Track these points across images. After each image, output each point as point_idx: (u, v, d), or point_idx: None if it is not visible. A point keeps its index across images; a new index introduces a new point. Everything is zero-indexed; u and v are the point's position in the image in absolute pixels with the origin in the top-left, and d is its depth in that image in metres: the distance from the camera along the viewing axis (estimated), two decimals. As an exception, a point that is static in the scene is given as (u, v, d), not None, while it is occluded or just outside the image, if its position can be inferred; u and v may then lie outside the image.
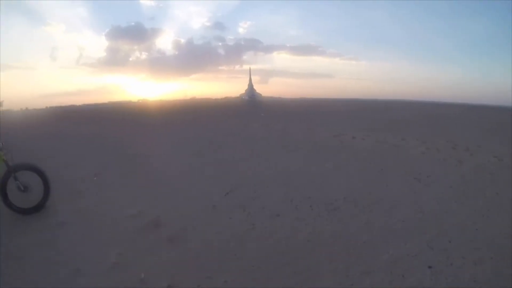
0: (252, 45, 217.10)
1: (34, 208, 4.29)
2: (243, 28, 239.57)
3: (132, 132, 13.97)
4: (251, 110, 33.52)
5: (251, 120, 18.68)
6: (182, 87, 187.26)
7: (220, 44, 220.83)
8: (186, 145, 9.79)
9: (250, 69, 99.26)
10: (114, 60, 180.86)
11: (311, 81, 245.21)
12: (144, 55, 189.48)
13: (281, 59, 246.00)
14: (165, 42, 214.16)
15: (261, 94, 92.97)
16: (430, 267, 2.93)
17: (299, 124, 15.97)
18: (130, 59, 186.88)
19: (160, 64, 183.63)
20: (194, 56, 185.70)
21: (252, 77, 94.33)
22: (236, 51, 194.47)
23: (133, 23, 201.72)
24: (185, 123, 18.17)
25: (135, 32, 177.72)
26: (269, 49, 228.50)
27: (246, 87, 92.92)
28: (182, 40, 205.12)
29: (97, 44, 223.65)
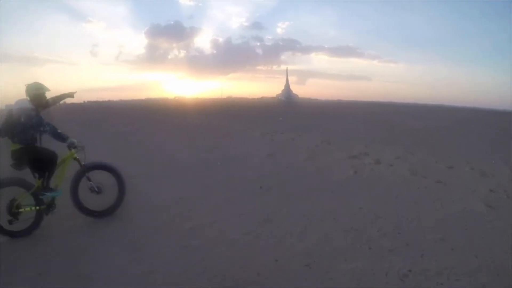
0: (290, 45, 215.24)
1: (107, 210, 4.04)
2: (281, 29, 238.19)
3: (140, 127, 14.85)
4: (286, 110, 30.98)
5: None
6: (219, 85, 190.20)
7: (258, 44, 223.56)
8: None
9: (287, 69, 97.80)
10: (153, 58, 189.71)
11: (348, 83, 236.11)
12: (182, 54, 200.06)
13: (318, 60, 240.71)
14: (204, 41, 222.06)
15: (297, 95, 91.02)
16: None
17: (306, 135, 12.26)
18: (169, 57, 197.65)
19: (198, 63, 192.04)
20: (232, 56, 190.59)
21: (289, 78, 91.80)
22: (274, 51, 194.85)
23: (172, 22, 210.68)
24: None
25: (174, 31, 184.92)
26: (307, 50, 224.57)
27: (283, 87, 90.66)
28: (220, 39, 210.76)
29: (137, 41, 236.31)
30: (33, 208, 3.57)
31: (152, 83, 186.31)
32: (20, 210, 3.51)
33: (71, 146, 3.78)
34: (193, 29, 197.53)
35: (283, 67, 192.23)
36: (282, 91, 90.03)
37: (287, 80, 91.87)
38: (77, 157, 3.86)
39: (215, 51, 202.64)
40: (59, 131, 3.71)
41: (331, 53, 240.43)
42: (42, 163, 3.62)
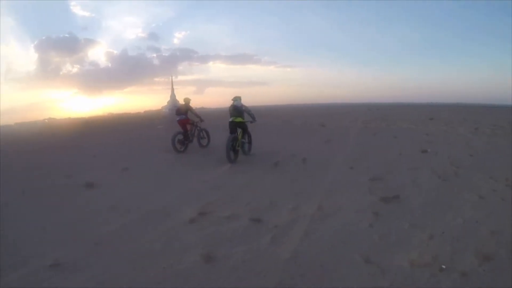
0: (188, 55, 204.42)
1: None
2: (178, 39, 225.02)
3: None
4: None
5: None
6: (117, 101, 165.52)
7: (155, 55, 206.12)
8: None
9: (172, 79, 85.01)
10: (44, 74, 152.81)
11: (248, 89, 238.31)
12: (76, 68, 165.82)
13: (216, 69, 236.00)
14: (99, 53, 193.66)
15: None
16: None
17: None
18: (61, 72, 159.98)
19: (93, 78, 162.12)
20: (128, 68, 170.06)
21: (188, 88, 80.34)
22: (172, 61, 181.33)
23: (64, 34, 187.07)
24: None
25: (67, 43, 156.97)
26: (204, 59, 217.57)
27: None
28: (116, 52, 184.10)
29: (26, 56, 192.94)
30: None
31: (46, 102, 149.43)
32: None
33: None
34: (88, 41, 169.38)
35: (182, 77, 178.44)
36: (168, 102, 77.80)
37: (172, 90, 79.64)
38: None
39: (110, 64, 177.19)
40: None
41: (229, 61, 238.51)
42: None
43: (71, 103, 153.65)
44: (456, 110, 37.54)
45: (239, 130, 7.66)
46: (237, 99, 7.72)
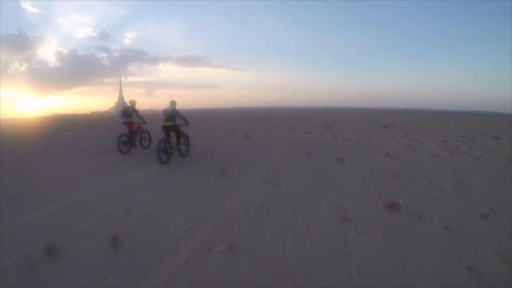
0: (138, 56, 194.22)
1: None
2: (128, 39, 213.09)
3: None
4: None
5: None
6: (65, 101, 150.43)
7: (105, 55, 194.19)
8: None
9: (120, 80, 77.50)
10: None
11: (198, 91, 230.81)
12: (24, 67, 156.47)
13: (167, 71, 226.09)
14: (48, 52, 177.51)
15: None
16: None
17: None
18: (9, 70, 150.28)
19: (41, 77, 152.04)
20: (78, 68, 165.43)
21: (138, 90, 73.09)
22: (122, 62, 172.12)
23: (13, 30, 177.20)
24: None
25: (15, 40, 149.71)
26: (154, 60, 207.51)
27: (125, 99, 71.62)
28: (65, 51, 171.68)
29: None
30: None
31: None
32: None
33: None
34: (37, 39, 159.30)
35: (131, 78, 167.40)
36: (116, 103, 71.32)
37: (120, 91, 73.18)
38: None
39: (59, 64, 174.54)
40: None
41: (179, 63, 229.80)
42: None
43: (18, 103, 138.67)
44: (406, 116, 35.40)
45: (173, 134, 7.82)
46: (171, 103, 7.90)
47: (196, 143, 9.38)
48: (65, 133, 15.55)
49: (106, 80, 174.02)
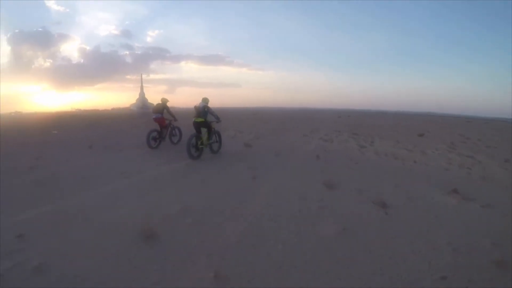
0: (160, 54, 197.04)
1: None
2: (151, 37, 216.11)
3: None
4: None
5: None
6: (88, 97, 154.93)
7: (127, 52, 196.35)
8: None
9: (141, 76, 77.66)
10: (16, 67, 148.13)
11: (219, 90, 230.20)
12: (48, 63, 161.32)
13: (189, 69, 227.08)
14: (71, 49, 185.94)
15: (153, 104, 71.68)
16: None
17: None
18: (33, 66, 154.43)
19: (65, 73, 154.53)
20: (100, 65, 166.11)
21: (159, 87, 73.45)
22: (144, 60, 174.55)
23: (38, 28, 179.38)
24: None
25: (40, 37, 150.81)
26: (176, 58, 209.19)
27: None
28: (88, 48, 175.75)
29: None
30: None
31: (16, 96, 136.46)
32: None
33: None
34: (61, 36, 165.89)
35: (153, 76, 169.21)
36: (137, 100, 71.34)
37: (141, 88, 72.93)
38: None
39: (82, 60, 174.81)
40: None
41: (201, 61, 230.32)
42: None
43: (42, 97, 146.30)
44: (432, 120, 31.43)
45: (204, 130, 7.66)
46: (203, 100, 7.80)
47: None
48: (53, 132, 14.56)
49: (128, 77, 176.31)
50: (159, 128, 9.30)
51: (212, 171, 6.35)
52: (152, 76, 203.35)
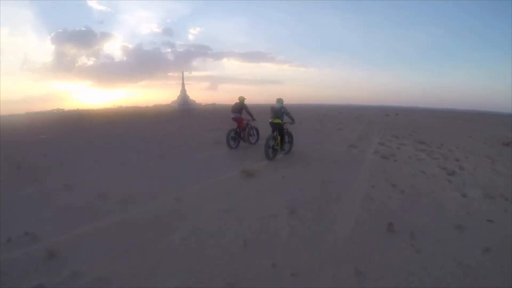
0: (202, 51, 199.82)
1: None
2: (192, 35, 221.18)
3: None
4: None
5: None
6: (129, 94, 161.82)
7: (169, 50, 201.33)
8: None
9: (182, 73, 78.11)
10: (60, 66, 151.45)
11: (261, 87, 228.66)
12: (91, 61, 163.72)
13: (230, 66, 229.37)
14: (114, 47, 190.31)
15: (194, 101, 73.54)
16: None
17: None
18: (77, 64, 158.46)
19: (108, 71, 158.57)
20: (143, 62, 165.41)
21: (201, 84, 73.90)
22: (186, 57, 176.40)
23: (81, 27, 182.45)
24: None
25: (83, 36, 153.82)
26: (218, 55, 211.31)
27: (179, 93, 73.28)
28: (131, 46, 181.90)
29: (43, 48, 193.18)
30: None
31: (60, 93, 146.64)
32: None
33: None
34: (103, 35, 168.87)
35: (195, 73, 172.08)
36: (178, 97, 72.48)
37: (183, 85, 73.81)
38: None
39: (125, 58, 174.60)
40: None
41: (243, 58, 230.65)
42: None
43: (85, 95, 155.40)
44: (495, 121, 26.76)
45: (276, 131, 7.67)
46: (279, 101, 7.78)
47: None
48: (41, 136, 13.44)
49: (170, 74, 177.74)
50: (238, 127, 8.97)
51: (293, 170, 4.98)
52: (194, 73, 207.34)
